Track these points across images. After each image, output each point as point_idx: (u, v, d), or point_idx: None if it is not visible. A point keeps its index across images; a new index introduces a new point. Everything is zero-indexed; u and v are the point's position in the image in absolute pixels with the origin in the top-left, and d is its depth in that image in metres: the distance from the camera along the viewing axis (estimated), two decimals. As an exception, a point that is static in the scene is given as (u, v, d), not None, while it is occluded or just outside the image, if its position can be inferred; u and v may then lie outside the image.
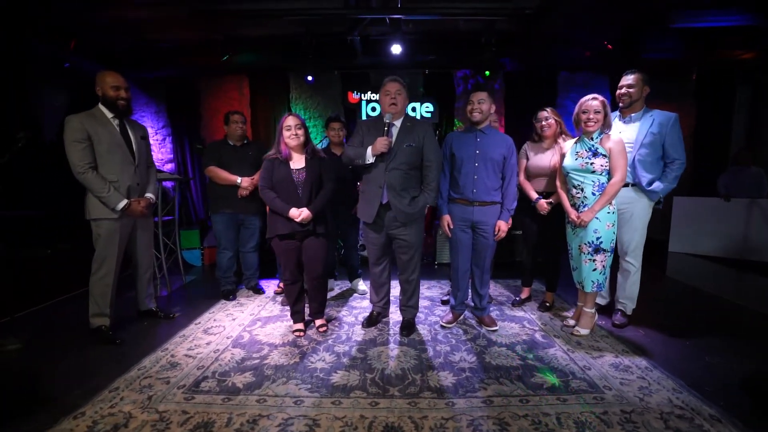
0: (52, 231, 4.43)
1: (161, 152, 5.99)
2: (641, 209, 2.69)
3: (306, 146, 2.57)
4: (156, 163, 5.84)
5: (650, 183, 2.64)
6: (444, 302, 3.30)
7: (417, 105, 5.85)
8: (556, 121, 2.92)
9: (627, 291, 2.79)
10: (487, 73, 5.33)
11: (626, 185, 2.66)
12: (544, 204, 2.91)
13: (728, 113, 5.93)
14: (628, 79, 2.66)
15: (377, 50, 5.00)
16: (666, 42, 4.74)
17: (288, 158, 2.53)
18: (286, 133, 2.50)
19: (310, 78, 5.18)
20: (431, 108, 5.89)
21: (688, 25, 4.32)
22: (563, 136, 2.91)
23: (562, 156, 2.63)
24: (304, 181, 2.53)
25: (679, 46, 4.81)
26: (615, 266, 2.82)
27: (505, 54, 5.19)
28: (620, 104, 2.72)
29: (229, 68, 5.49)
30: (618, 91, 2.70)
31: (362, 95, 5.84)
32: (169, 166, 5.99)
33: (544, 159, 2.93)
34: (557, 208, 2.85)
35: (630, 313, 2.82)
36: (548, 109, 2.96)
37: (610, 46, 4.86)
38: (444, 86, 5.92)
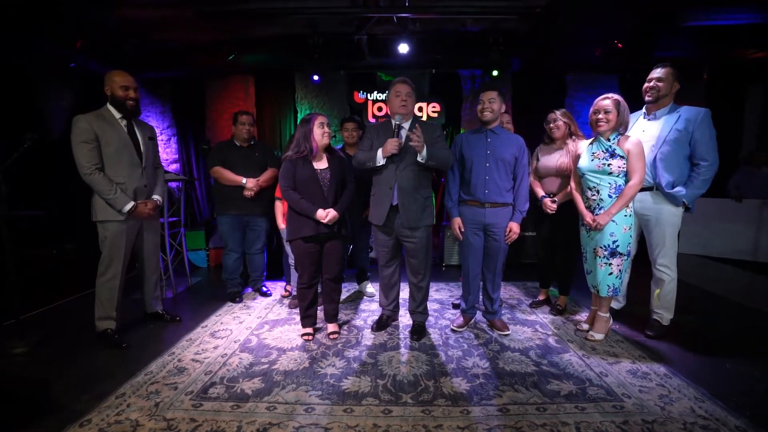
0: (57, 231, 4.41)
1: (166, 152, 5.97)
2: (667, 216, 2.53)
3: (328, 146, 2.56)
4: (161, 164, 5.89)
5: (672, 185, 2.50)
6: (455, 306, 3.25)
7: (423, 105, 5.80)
8: (564, 123, 2.88)
9: (662, 300, 2.62)
10: (496, 72, 5.27)
11: (648, 189, 2.54)
12: (548, 202, 2.86)
13: (739, 113, 5.85)
14: (657, 72, 2.51)
15: (384, 50, 4.95)
16: (677, 41, 4.67)
17: (314, 158, 2.49)
18: (318, 131, 2.45)
19: (315, 78, 5.14)
20: (438, 108, 5.84)
21: (700, 23, 4.24)
22: (573, 137, 2.87)
23: (577, 157, 2.58)
24: (329, 181, 2.49)
25: (690, 45, 4.74)
26: (641, 273, 2.75)
27: (513, 54, 5.13)
28: (646, 98, 2.57)
29: (234, 68, 5.46)
30: (646, 85, 2.55)
31: (368, 95, 5.80)
32: (174, 167, 5.96)
33: (552, 159, 2.90)
34: (570, 210, 2.80)
35: (667, 324, 2.64)
36: (558, 111, 2.91)
37: (620, 45, 4.78)
38: (451, 86, 5.87)
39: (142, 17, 4.22)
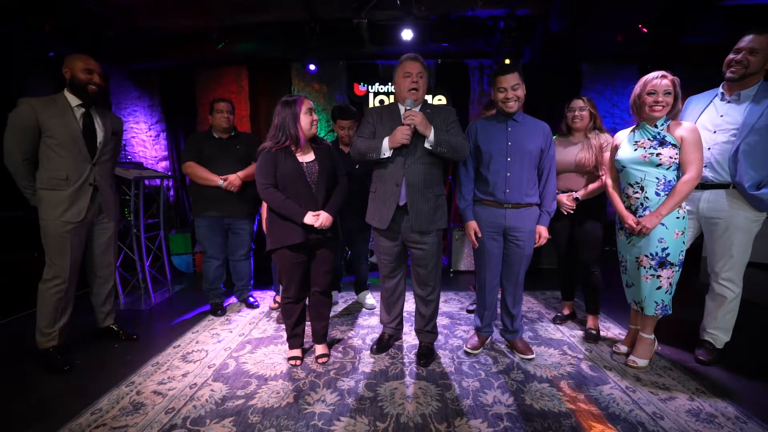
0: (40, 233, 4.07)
1: (155, 149, 5.60)
2: (743, 222, 2.06)
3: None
4: (150, 161, 5.52)
5: (757, 185, 2.00)
6: (469, 311, 2.85)
7: (429, 98, 5.39)
8: (590, 113, 2.46)
9: (719, 320, 2.19)
10: (507, 62, 4.84)
11: (722, 186, 2.08)
12: (565, 199, 2.44)
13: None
14: (750, 40, 1.95)
15: (385, 37, 4.55)
16: (710, 23, 4.23)
17: (299, 150, 2.07)
18: (306, 119, 2.02)
19: (312, 67, 4.72)
20: (444, 101, 5.44)
21: (738, 2, 3.81)
22: (596, 131, 2.45)
23: (615, 148, 2.16)
24: (318, 177, 2.06)
25: (724, 27, 4.29)
26: (683, 279, 2.34)
27: (526, 41, 4.71)
28: (728, 74, 2.04)
29: (227, 59, 5.10)
30: (730, 57, 2.02)
31: (369, 87, 5.40)
32: (163, 164, 5.60)
33: (570, 153, 2.47)
34: (591, 208, 2.41)
35: (721, 347, 2.21)
36: (584, 99, 2.49)
37: (645, 30, 4.35)
38: (458, 77, 5.46)
39: (128, 1, 3.84)
